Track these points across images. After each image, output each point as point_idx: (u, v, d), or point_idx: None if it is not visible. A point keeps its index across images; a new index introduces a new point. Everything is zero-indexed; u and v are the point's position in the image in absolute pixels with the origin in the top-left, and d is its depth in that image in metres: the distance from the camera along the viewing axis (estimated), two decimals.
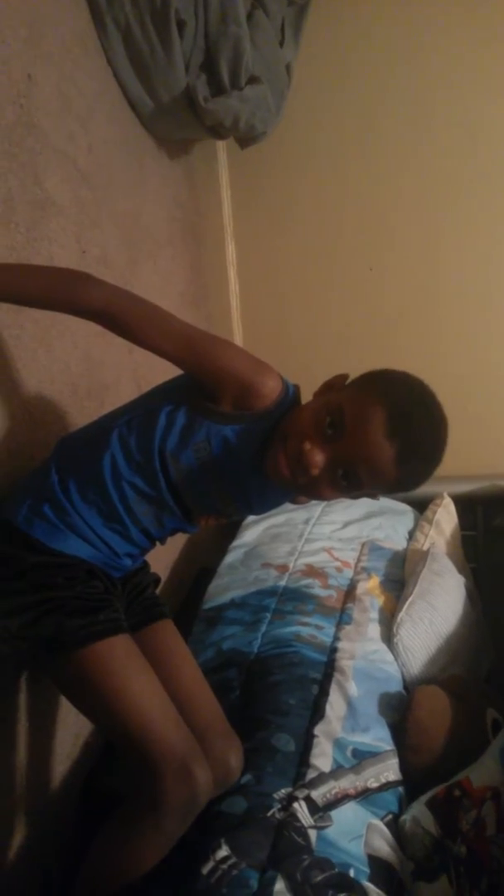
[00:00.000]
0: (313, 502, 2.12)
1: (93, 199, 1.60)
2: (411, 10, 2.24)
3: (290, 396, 1.12)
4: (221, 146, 2.44)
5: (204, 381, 1.10)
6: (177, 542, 2.29)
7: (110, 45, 1.70)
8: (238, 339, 2.70)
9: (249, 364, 1.09)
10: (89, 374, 1.55)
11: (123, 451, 1.12)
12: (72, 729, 1.45)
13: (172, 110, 1.87)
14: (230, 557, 2.14)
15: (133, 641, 1.11)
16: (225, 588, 1.95)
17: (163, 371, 1.81)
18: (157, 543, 1.26)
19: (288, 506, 1.42)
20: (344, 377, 1.14)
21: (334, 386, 1.13)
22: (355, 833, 1.19)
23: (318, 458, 1.04)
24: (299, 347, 2.64)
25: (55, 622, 1.04)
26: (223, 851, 1.06)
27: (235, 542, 2.23)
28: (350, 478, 1.05)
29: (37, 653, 1.08)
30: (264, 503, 1.26)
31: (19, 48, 1.28)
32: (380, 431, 1.01)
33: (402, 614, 1.74)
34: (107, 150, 1.69)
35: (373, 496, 1.14)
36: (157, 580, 1.39)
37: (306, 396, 1.17)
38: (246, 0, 1.86)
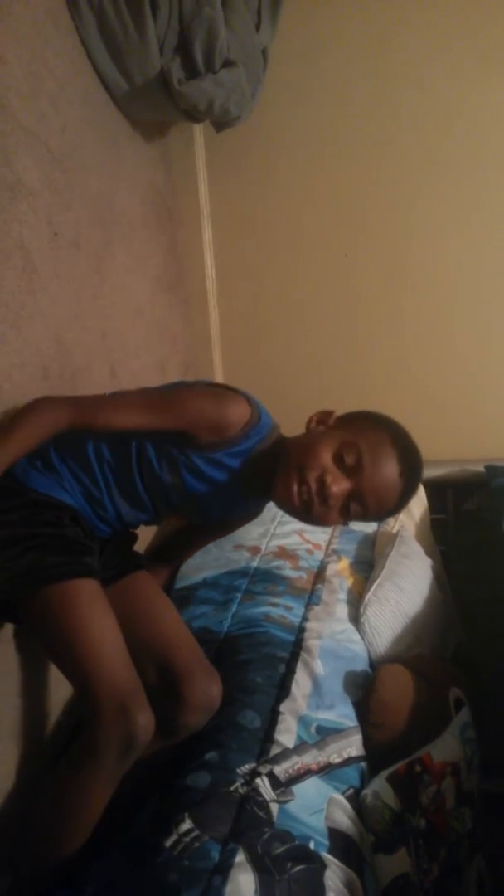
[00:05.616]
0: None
1: (65, 180, 1.59)
2: None
3: (264, 420, 1.24)
4: (198, 129, 2.42)
5: (176, 432, 1.20)
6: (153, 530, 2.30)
7: (83, 25, 1.68)
8: (213, 323, 2.70)
9: (210, 403, 1.22)
10: (61, 358, 1.55)
11: (108, 444, 1.23)
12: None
13: (147, 92, 1.86)
14: None
15: (101, 588, 1.16)
16: (197, 568, 1.97)
17: (136, 355, 1.82)
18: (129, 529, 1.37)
19: None
20: (331, 413, 1.28)
21: (324, 421, 1.28)
22: (316, 807, 1.21)
23: (339, 489, 1.17)
24: (275, 330, 2.66)
25: (38, 557, 1.11)
26: (186, 825, 1.08)
27: None
28: (357, 507, 1.20)
29: (9, 586, 1.12)
30: (225, 521, 1.42)
31: None
32: (395, 471, 1.19)
33: (369, 595, 1.77)
34: (80, 131, 1.68)
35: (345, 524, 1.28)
36: (135, 538, 1.46)
37: (284, 406, 1.26)
38: None
